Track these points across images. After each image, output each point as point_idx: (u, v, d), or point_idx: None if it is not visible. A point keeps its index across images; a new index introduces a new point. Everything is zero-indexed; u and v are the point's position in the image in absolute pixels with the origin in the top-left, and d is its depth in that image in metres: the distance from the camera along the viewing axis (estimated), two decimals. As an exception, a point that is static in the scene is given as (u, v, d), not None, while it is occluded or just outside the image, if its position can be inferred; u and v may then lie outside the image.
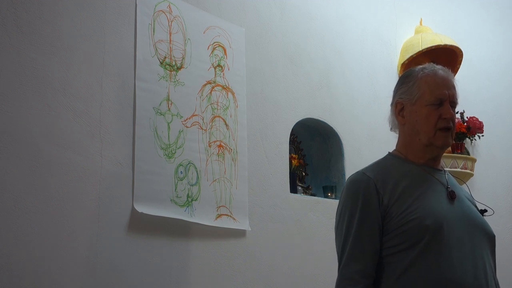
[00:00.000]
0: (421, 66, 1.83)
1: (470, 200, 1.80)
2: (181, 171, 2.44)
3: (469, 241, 1.65)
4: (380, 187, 1.69)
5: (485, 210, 1.82)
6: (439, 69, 1.81)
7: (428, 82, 1.78)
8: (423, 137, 1.75)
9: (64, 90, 2.14)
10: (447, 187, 1.74)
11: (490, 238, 1.73)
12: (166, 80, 2.46)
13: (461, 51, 3.65)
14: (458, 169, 3.40)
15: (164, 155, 2.39)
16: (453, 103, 1.77)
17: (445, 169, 1.84)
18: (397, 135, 1.86)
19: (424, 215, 1.64)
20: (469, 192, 1.85)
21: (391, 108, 1.85)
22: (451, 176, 1.84)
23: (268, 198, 2.79)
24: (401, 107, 1.81)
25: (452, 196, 1.72)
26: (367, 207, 1.67)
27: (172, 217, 2.35)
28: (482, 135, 3.73)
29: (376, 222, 1.66)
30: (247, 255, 2.63)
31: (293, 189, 2.96)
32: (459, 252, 1.62)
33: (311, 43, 3.18)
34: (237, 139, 2.70)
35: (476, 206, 1.81)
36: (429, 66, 1.82)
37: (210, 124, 2.61)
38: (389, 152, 1.85)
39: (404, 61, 3.58)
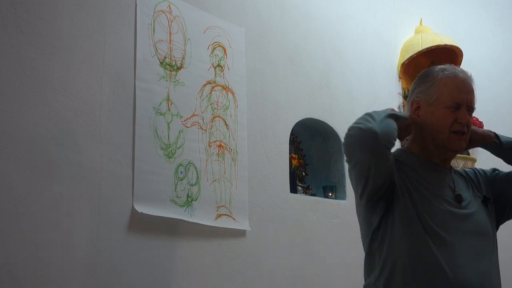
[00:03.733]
0: (441, 67, 1.82)
1: (475, 193, 1.81)
2: (181, 171, 2.44)
3: (473, 244, 1.66)
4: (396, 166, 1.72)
5: (489, 198, 1.83)
6: (460, 72, 1.79)
7: (447, 84, 1.76)
8: (437, 139, 1.75)
9: (64, 90, 2.13)
10: (454, 190, 1.75)
11: (493, 240, 1.75)
12: (166, 80, 2.46)
13: (461, 51, 3.66)
14: (458, 169, 3.40)
15: (164, 155, 2.39)
16: (470, 107, 1.77)
17: (453, 168, 1.85)
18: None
19: (428, 216, 1.64)
20: (477, 177, 1.87)
21: (407, 105, 1.87)
22: (458, 175, 1.85)
23: (268, 198, 2.79)
24: (417, 106, 1.80)
25: (459, 200, 1.73)
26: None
27: (172, 217, 2.35)
28: (482, 135, 3.72)
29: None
30: (247, 255, 2.63)
31: (293, 189, 2.96)
32: (462, 253, 1.63)
33: (311, 43, 3.18)
34: (237, 139, 2.70)
35: (483, 196, 1.82)
36: (449, 68, 1.80)
37: (210, 124, 2.61)
38: (399, 148, 1.85)
39: (404, 61, 3.58)
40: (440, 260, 1.60)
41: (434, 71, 1.81)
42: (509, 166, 1.92)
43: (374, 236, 1.72)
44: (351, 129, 1.65)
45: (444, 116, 1.74)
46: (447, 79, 1.77)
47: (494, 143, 1.86)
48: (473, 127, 1.84)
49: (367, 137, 1.60)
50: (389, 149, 1.63)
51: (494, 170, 1.92)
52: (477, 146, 1.89)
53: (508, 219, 1.88)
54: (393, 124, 1.65)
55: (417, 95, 1.81)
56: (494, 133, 1.87)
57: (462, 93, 1.75)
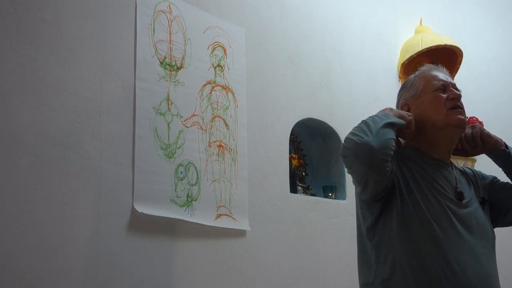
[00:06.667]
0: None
1: (475, 192, 1.82)
2: (181, 171, 2.44)
3: (472, 242, 1.66)
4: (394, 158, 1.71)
5: (487, 200, 1.85)
6: (433, 67, 1.89)
7: (426, 75, 1.84)
8: (437, 122, 1.76)
9: (64, 90, 2.14)
10: (456, 187, 1.75)
11: (492, 240, 1.75)
12: (166, 80, 2.46)
13: (461, 51, 3.66)
14: (459, 166, 3.40)
15: (164, 155, 2.39)
16: (456, 88, 1.81)
17: (454, 165, 1.86)
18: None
19: (428, 213, 1.64)
20: (476, 178, 1.89)
21: None
22: (459, 172, 1.85)
23: (268, 198, 2.79)
24: (407, 108, 1.83)
25: (460, 197, 1.73)
26: None
27: (172, 217, 2.35)
28: (482, 135, 3.72)
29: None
30: (247, 255, 2.63)
31: (293, 189, 2.96)
32: (462, 251, 1.63)
33: (311, 43, 3.18)
34: (237, 139, 2.70)
35: (481, 197, 1.84)
36: (423, 67, 1.89)
37: (210, 124, 2.61)
38: (402, 144, 1.86)
39: (404, 61, 3.58)
40: (440, 258, 1.60)
41: (410, 76, 1.90)
42: (507, 179, 1.92)
43: (370, 234, 1.72)
44: (347, 141, 1.63)
45: (435, 98, 1.78)
46: (424, 72, 1.86)
47: (503, 151, 1.86)
48: (487, 131, 1.86)
49: (363, 152, 1.58)
50: (387, 161, 1.61)
51: (494, 178, 1.93)
52: (488, 150, 1.88)
53: (499, 226, 1.89)
54: (390, 134, 1.63)
55: (404, 98, 1.87)
56: (504, 142, 1.90)
57: (443, 77, 1.82)
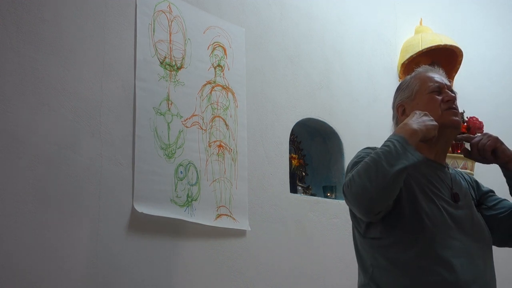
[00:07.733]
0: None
1: (472, 195, 1.81)
2: (181, 171, 2.44)
3: (468, 244, 1.65)
4: None
5: (482, 203, 1.84)
6: (429, 68, 1.88)
7: (422, 76, 1.84)
8: None
9: (64, 90, 2.14)
10: (452, 188, 1.74)
11: (489, 242, 1.74)
12: (166, 80, 2.46)
13: (461, 51, 3.66)
14: (458, 169, 3.40)
15: (164, 155, 2.39)
16: (451, 90, 1.81)
17: (450, 166, 1.85)
18: None
19: (424, 215, 1.64)
20: (472, 182, 1.87)
21: (393, 118, 1.88)
22: (455, 173, 1.85)
23: (268, 198, 2.79)
24: (402, 109, 1.83)
25: (456, 199, 1.72)
26: None
27: (172, 217, 2.35)
28: (482, 135, 3.72)
29: None
30: (247, 255, 2.63)
31: (293, 189, 2.96)
32: (458, 253, 1.62)
33: (311, 43, 3.18)
34: (237, 139, 2.70)
35: (476, 200, 1.83)
36: (419, 68, 1.89)
37: (210, 124, 2.61)
38: None
39: (404, 61, 3.58)
40: (435, 260, 1.59)
41: (406, 78, 1.89)
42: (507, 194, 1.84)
43: (364, 237, 1.71)
44: (352, 183, 1.57)
45: (430, 100, 1.78)
46: (420, 73, 1.85)
47: None
48: (504, 146, 1.76)
49: (362, 206, 1.58)
50: (384, 210, 1.61)
51: (491, 190, 1.89)
52: (498, 164, 1.79)
53: None
54: (397, 185, 1.57)
55: (399, 100, 1.86)
56: None
57: (438, 78, 1.82)
